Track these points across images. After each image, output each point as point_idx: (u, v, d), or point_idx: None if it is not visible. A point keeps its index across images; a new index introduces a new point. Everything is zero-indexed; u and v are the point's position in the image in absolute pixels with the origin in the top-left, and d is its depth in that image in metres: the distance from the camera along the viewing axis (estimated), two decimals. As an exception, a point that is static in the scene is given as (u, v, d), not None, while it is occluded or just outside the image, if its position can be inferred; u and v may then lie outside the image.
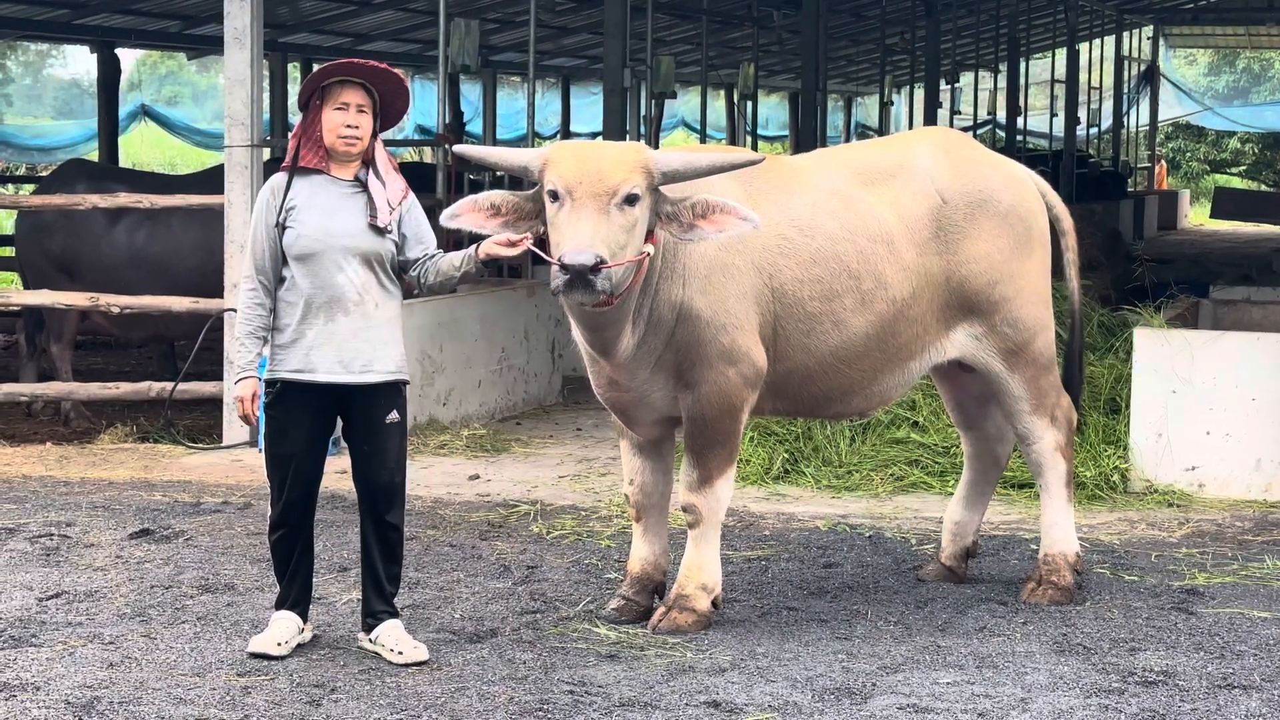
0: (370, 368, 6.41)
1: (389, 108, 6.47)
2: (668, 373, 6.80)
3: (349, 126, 6.34)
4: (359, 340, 6.38)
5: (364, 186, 6.42)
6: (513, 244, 6.41)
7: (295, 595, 6.60)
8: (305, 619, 6.64)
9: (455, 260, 6.49)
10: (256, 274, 6.42)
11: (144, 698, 5.99)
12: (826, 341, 6.97)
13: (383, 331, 6.43)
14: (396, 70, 6.50)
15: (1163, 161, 44.58)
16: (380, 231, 6.41)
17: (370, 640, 6.52)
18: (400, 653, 6.42)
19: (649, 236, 6.48)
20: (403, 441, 6.56)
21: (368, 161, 6.43)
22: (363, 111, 6.37)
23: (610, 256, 6.21)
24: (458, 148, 6.82)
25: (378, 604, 6.55)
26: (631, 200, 6.34)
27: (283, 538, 6.56)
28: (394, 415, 6.47)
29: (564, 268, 6.15)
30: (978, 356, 7.34)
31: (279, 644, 6.46)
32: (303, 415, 6.43)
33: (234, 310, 10.99)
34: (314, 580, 6.81)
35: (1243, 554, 8.34)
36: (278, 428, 6.46)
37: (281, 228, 6.38)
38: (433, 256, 6.53)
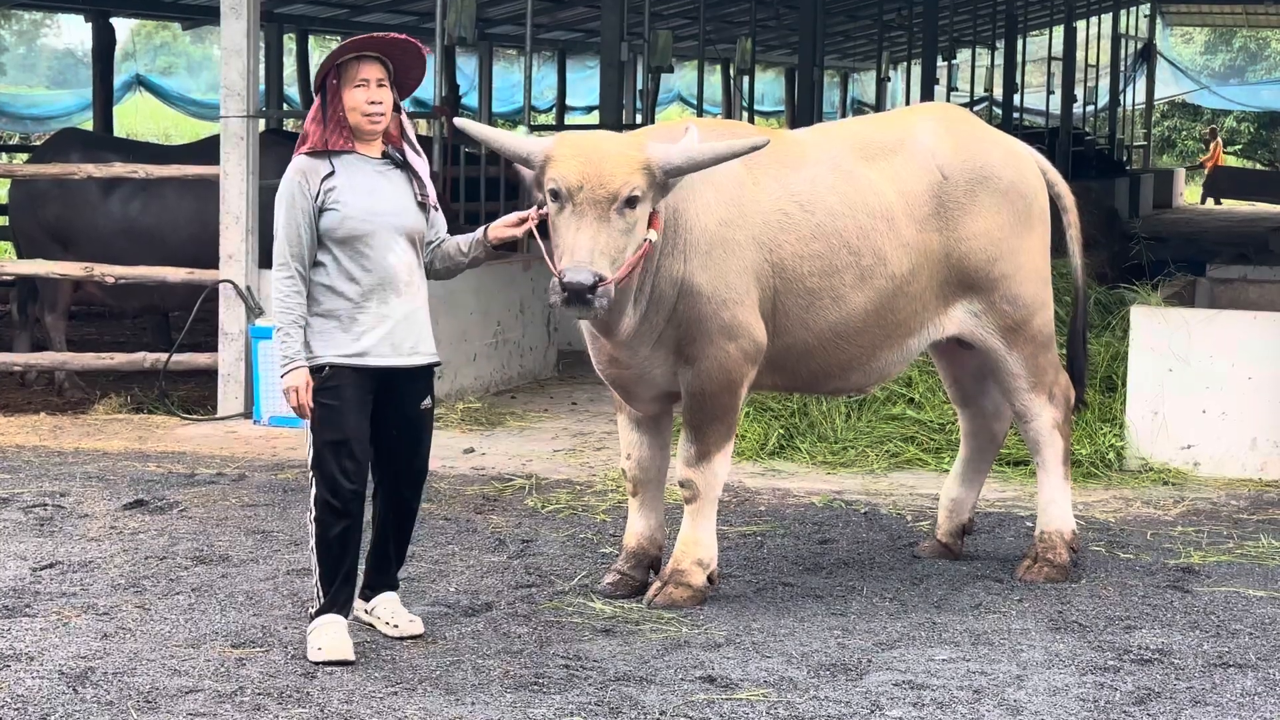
0: (417, 350, 6.25)
1: (405, 77, 6.30)
2: (668, 349, 6.79)
3: (372, 103, 6.15)
4: (409, 322, 6.20)
5: (397, 164, 6.26)
6: (521, 222, 6.35)
7: (345, 598, 6.21)
8: (347, 616, 6.26)
9: (463, 245, 6.40)
10: (293, 261, 6.12)
11: (138, 668, 5.98)
12: (826, 317, 6.95)
13: (424, 312, 6.29)
14: (413, 39, 6.34)
15: (1218, 138, 43.99)
16: (425, 209, 6.29)
17: (367, 611, 6.47)
18: (395, 625, 6.39)
19: (652, 221, 6.45)
20: (432, 426, 6.40)
21: (392, 137, 6.26)
22: (382, 86, 6.18)
23: (611, 265, 6.21)
24: (460, 122, 6.68)
25: (379, 576, 6.48)
26: (633, 203, 6.32)
27: (346, 531, 6.12)
28: (428, 401, 6.32)
29: (563, 286, 6.13)
30: (976, 333, 7.32)
31: (350, 646, 6.13)
32: (356, 400, 6.15)
33: (229, 281, 11.04)
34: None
35: (1238, 533, 8.34)
36: (330, 415, 6.11)
37: (320, 210, 6.13)
38: (441, 241, 6.42)
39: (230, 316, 11.13)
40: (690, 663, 6.15)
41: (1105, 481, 9.51)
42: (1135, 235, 15.73)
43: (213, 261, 11.22)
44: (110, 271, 11.43)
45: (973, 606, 6.98)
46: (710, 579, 6.95)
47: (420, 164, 6.29)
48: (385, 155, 6.25)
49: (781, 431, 10.16)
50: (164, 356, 11.35)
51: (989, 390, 7.67)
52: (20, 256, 12.67)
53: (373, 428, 6.24)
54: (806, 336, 6.97)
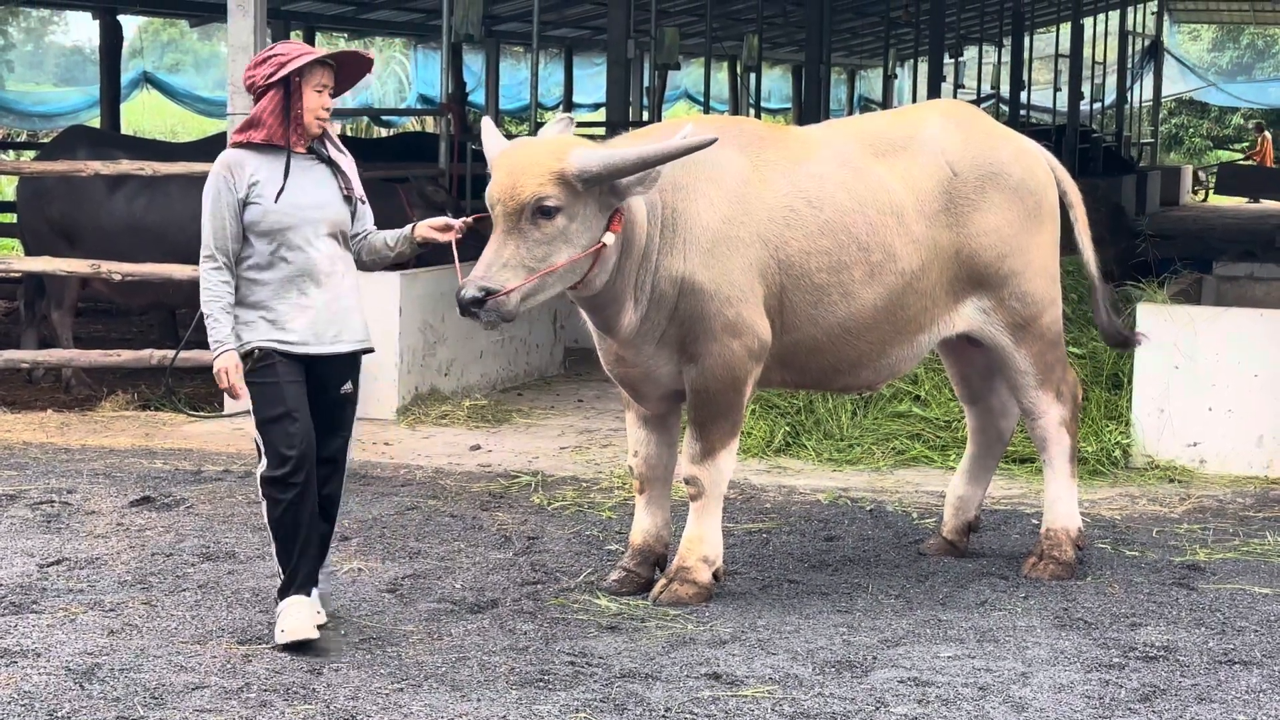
0: (340, 338, 6.40)
1: (338, 88, 6.54)
2: (672, 347, 6.79)
3: (325, 109, 6.40)
4: (329, 311, 6.37)
5: (321, 159, 6.43)
6: (448, 228, 6.48)
7: (305, 575, 6.29)
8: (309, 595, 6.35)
9: (390, 240, 6.55)
10: (218, 253, 6.32)
11: (144, 665, 5.99)
12: (834, 313, 6.95)
13: (349, 300, 6.44)
14: (371, 59, 6.67)
15: (1266, 133, 43.63)
16: (350, 202, 6.46)
17: (276, 615, 6.35)
18: (283, 630, 6.22)
19: (613, 222, 6.45)
20: (353, 413, 6.53)
21: (319, 137, 6.46)
22: (331, 94, 6.43)
23: (517, 276, 6.29)
24: (486, 121, 6.95)
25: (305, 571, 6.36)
26: (547, 213, 6.33)
27: (295, 500, 6.22)
28: (348, 386, 6.46)
29: (456, 298, 6.33)
30: (985, 330, 7.32)
31: (315, 626, 6.23)
32: (290, 375, 6.33)
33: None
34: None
35: (1244, 530, 8.34)
36: (268, 393, 6.30)
37: (244, 204, 6.31)
38: (368, 234, 6.57)
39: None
40: (696, 659, 6.15)
41: (1111, 479, 9.51)
42: (1142, 233, 15.74)
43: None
44: (117, 268, 11.44)
45: (978, 604, 6.98)
46: (716, 576, 6.95)
47: (345, 160, 6.48)
48: (311, 150, 6.43)
49: (787, 429, 10.17)
50: (170, 353, 11.36)
51: (996, 388, 7.67)
52: (28, 254, 12.68)
53: None
54: (815, 332, 6.97)
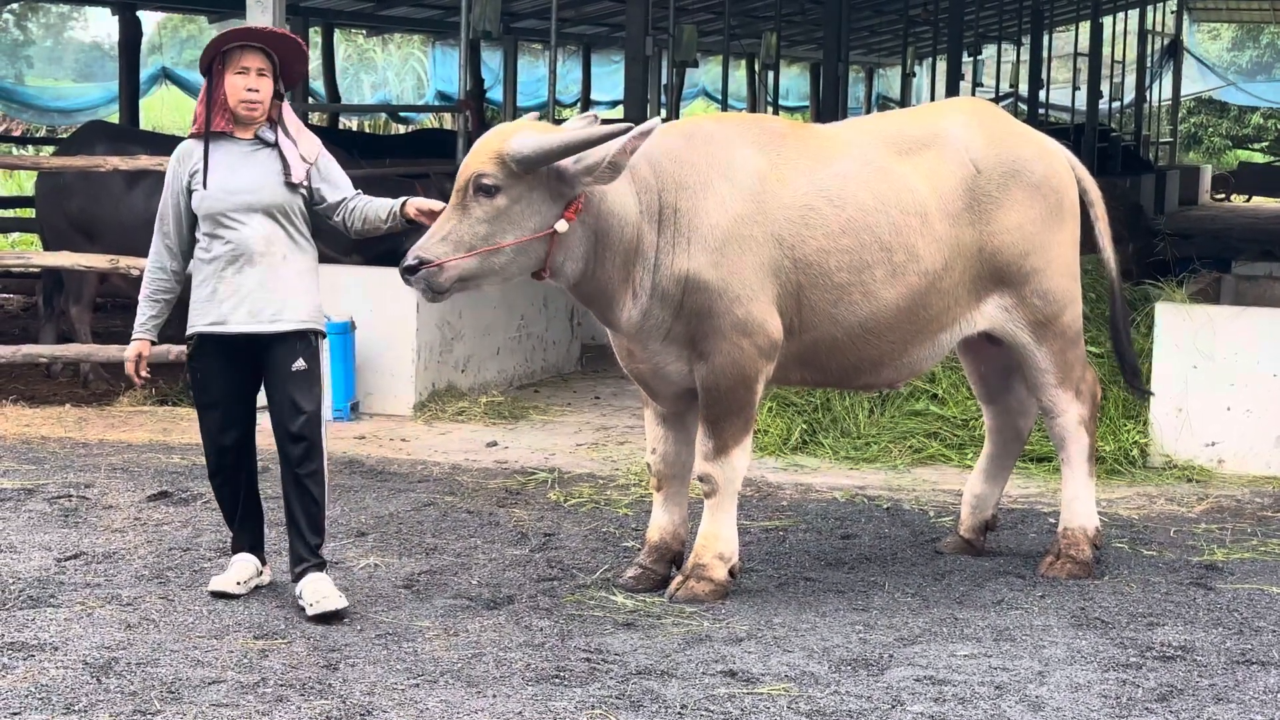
0: (279, 317, 6.63)
1: (289, 70, 6.71)
2: (680, 344, 6.79)
3: (250, 90, 6.58)
4: (266, 291, 6.61)
5: (267, 144, 6.65)
6: (435, 214, 6.62)
7: (250, 540, 6.88)
8: (263, 562, 6.92)
9: (381, 211, 6.70)
10: (162, 238, 6.71)
11: (161, 659, 6.00)
12: (855, 312, 6.94)
13: (293, 282, 6.64)
14: (293, 34, 6.81)
15: None
16: (293, 187, 6.64)
17: (297, 595, 6.65)
18: (313, 604, 6.53)
19: (569, 209, 6.47)
20: (314, 390, 6.67)
21: (273, 122, 6.66)
22: (263, 75, 6.60)
23: (454, 249, 6.42)
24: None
25: (302, 552, 6.69)
26: (487, 190, 6.45)
27: (223, 484, 6.83)
28: (300, 363, 6.63)
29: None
30: (1006, 328, 7.31)
31: (238, 583, 6.77)
32: (221, 366, 6.71)
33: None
34: (267, 530, 7.02)
35: (1262, 530, 8.32)
36: (200, 380, 6.77)
37: (188, 191, 6.64)
38: (356, 199, 6.74)
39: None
40: (711, 657, 6.15)
41: (1129, 478, 9.49)
42: (1160, 232, 15.71)
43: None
44: (136, 264, 11.43)
45: (995, 602, 6.97)
46: (732, 573, 6.95)
47: (293, 146, 6.65)
48: (256, 136, 6.66)
49: (804, 426, 10.16)
50: (187, 349, 11.36)
51: (1014, 386, 7.65)
52: (46, 249, 12.71)
53: (266, 392, 6.74)
54: (835, 331, 6.96)
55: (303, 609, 6.55)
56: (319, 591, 6.55)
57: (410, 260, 6.46)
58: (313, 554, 6.65)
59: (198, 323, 6.70)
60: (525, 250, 6.51)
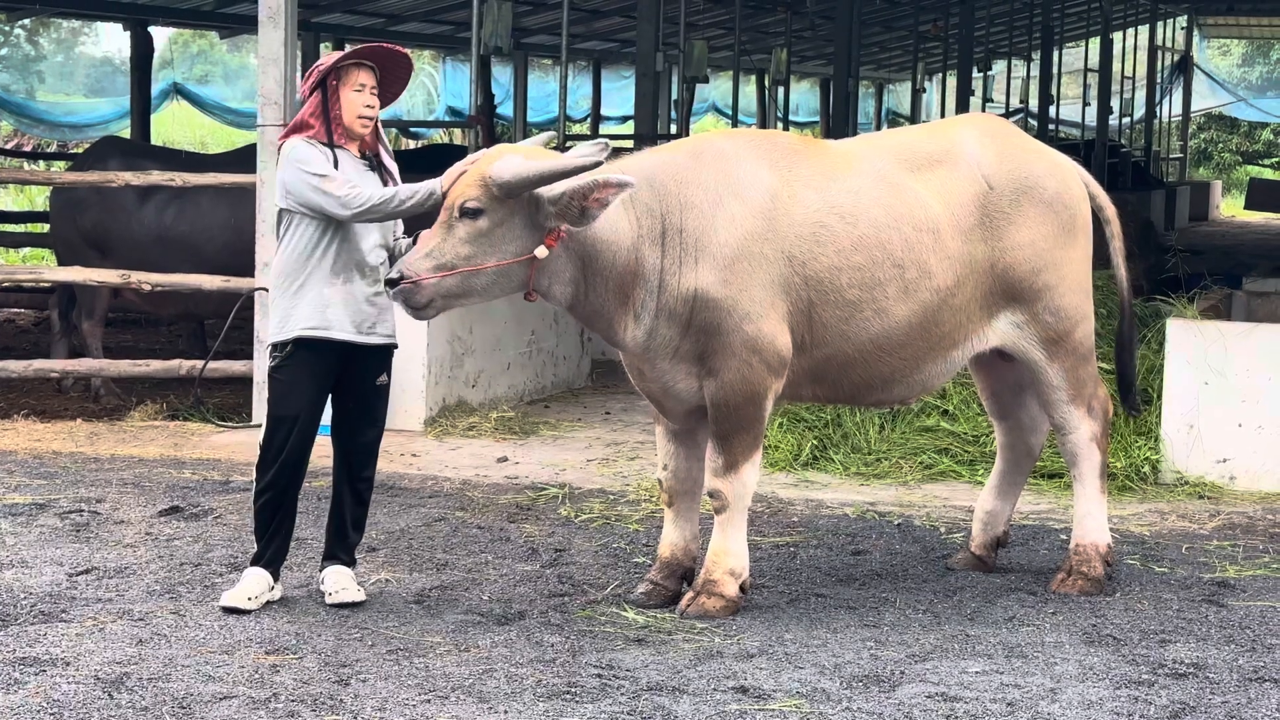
0: (375, 330, 6.80)
1: (387, 90, 6.86)
2: (689, 362, 6.80)
3: (368, 106, 6.74)
4: (370, 303, 6.76)
5: (376, 164, 6.83)
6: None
7: (272, 554, 6.89)
8: (276, 578, 6.93)
9: (403, 245, 6.89)
10: (346, 182, 6.60)
11: (173, 674, 6.00)
12: (867, 329, 6.94)
13: (385, 298, 6.77)
14: (407, 53, 6.95)
15: None
16: None
17: (319, 582, 6.89)
18: (333, 593, 6.78)
19: (550, 235, 6.53)
20: (386, 404, 6.95)
21: (367, 142, 6.82)
22: (374, 93, 6.77)
23: (434, 269, 6.48)
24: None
25: (337, 549, 6.91)
26: (471, 213, 6.53)
27: (271, 501, 6.84)
28: (384, 378, 6.87)
29: None
30: (1018, 344, 7.31)
31: (249, 598, 6.78)
32: (311, 375, 6.75)
33: (264, 289, 11.06)
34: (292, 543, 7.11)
35: (1274, 547, 8.30)
36: (285, 389, 6.76)
37: None
38: (399, 237, 6.94)
39: (265, 324, 11.15)
40: (723, 673, 6.14)
41: (1141, 495, 9.48)
42: (1171, 248, 15.69)
43: (247, 269, 11.27)
44: (147, 279, 11.49)
45: (1006, 619, 6.96)
46: (743, 589, 6.94)
47: (393, 168, 6.86)
48: (364, 156, 6.81)
49: (815, 442, 10.15)
50: (199, 364, 11.40)
51: (1026, 403, 7.65)
52: (60, 263, 12.74)
53: (337, 402, 6.90)
54: (847, 348, 6.96)
55: (322, 595, 6.84)
56: (341, 582, 6.82)
57: (393, 274, 6.56)
58: (348, 551, 6.94)
59: (295, 326, 6.71)
60: (506, 273, 6.60)
